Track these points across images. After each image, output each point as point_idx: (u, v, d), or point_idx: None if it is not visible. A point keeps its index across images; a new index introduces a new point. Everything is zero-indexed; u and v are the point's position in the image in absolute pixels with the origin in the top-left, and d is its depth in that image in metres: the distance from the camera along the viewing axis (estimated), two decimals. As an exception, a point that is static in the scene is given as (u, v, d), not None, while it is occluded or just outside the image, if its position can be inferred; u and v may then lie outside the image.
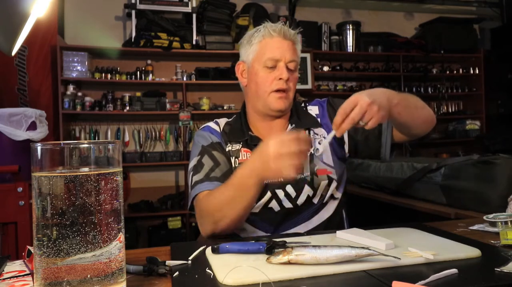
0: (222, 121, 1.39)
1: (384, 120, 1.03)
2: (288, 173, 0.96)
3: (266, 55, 1.26)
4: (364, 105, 0.96)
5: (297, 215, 1.26)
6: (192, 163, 1.29)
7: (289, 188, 1.25)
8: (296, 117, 1.35)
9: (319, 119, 1.36)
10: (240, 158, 1.29)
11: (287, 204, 1.25)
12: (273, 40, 1.27)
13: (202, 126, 1.39)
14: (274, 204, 1.25)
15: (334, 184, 1.29)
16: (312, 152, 1.29)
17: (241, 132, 1.33)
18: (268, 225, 1.26)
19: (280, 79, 1.25)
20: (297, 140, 0.96)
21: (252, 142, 1.30)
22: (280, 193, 1.26)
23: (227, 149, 1.31)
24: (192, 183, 1.25)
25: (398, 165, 2.34)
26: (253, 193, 1.08)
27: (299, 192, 1.26)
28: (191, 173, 1.27)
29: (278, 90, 1.26)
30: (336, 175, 1.30)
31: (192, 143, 1.38)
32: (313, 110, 1.39)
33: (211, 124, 1.38)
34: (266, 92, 1.27)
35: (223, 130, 1.36)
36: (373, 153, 1.30)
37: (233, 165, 1.29)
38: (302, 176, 1.26)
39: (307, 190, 1.26)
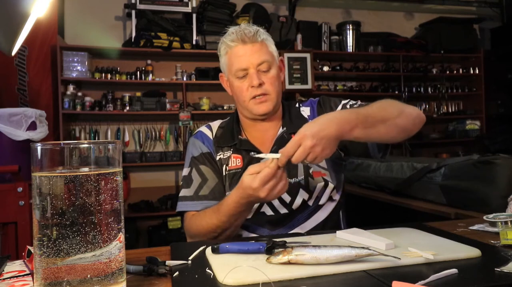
0: (216, 124, 1.39)
1: (329, 156, 1.01)
2: (278, 194, 1.02)
3: (234, 67, 1.25)
4: (307, 147, 0.96)
5: (292, 219, 1.25)
6: (184, 172, 1.33)
7: (284, 194, 1.23)
8: (288, 119, 1.33)
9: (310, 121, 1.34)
10: (230, 165, 1.28)
11: (282, 210, 1.25)
12: (235, 50, 1.24)
13: (196, 131, 1.39)
14: (266, 209, 1.25)
15: (330, 186, 1.28)
16: None
17: (231, 136, 1.32)
18: (262, 229, 1.25)
19: (253, 86, 1.23)
20: (272, 173, 0.99)
21: (241, 147, 1.29)
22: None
23: (218, 158, 1.31)
24: (181, 195, 1.29)
25: (398, 165, 2.34)
26: (245, 215, 1.15)
27: (293, 197, 1.25)
28: (181, 184, 1.32)
29: (255, 96, 1.24)
30: (331, 176, 1.29)
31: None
32: (305, 111, 1.36)
33: (204, 129, 1.38)
34: (245, 101, 1.26)
35: (216, 135, 1.35)
36: (363, 153, 1.28)
37: (224, 173, 1.29)
38: (297, 179, 1.25)
39: (302, 194, 1.25)
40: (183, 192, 1.29)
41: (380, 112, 1.09)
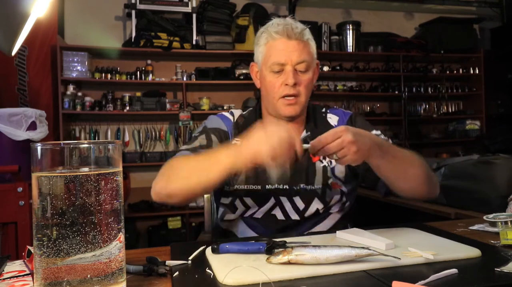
0: (237, 112, 1.35)
1: (356, 163, 0.99)
2: (264, 155, 0.90)
3: (271, 59, 1.18)
4: (345, 140, 0.93)
5: (301, 226, 1.23)
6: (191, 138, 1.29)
7: (298, 200, 1.21)
8: (313, 124, 1.28)
9: None
10: None
11: (294, 216, 1.22)
12: (277, 43, 1.18)
13: (217, 114, 1.35)
14: (277, 212, 1.22)
15: (344, 199, 1.26)
16: (326, 164, 1.24)
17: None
18: (269, 232, 1.22)
19: (287, 84, 1.17)
20: (291, 141, 0.93)
21: None
22: (286, 203, 1.22)
23: (233, 142, 1.25)
24: (178, 151, 1.23)
25: (398, 165, 2.33)
26: (218, 171, 1.00)
27: (308, 204, 1.22)
28: (182, 145, 1.26)
29: (286, 96, 1.19)
30: (348, 190, 1.26)
31: None
32: (333, 119, 1.31)
33: (226, 113, 1.34)
34: (275, 98, 1.20)
35: (237, 121, 1.31)
36: (371, 184, 1.24)
37: None
38: (313, 187, 1.22)
39: (316, 203, 1.22)
40: (182, 147, 1.23)
41: (405, 156, 1.10)
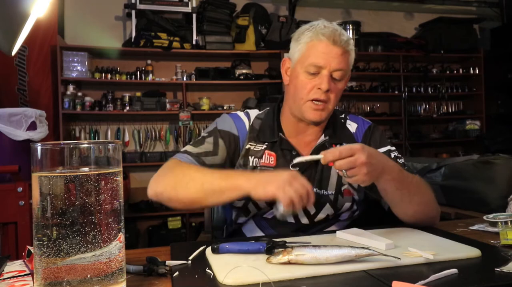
0: (253, 113, 1.31)
1: (364, 184, 1.00)
2: (283, 199, 0.94)
3: (310, 60, 1.15)
4: (358, 160, 0.94)
5: (309, 229, 1.23)
6: (199, 137, 1.28)
7: (310, 206, 1.20)
8: (332, 129, 1.27)
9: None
10: (263, 161, 1.23)
11: (304, 220, 1.22)
12: (321, 44, 1.15)
13: (231, 113, 1.32)
14: None
15: (355, 207, 1.26)
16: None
17: (272, 131, 1.25)
18: (278, 234, 1.22)
19: (319, 89, 1.15)
20: (309, 192, 0.97)
21: (281, 146, 1.23)
22: None
23: (247, 147, 1.24)
24: (183, 149, 1.23)
25: (398, 165, 2.33)
26: (233, 193, 1.03)
27: (319, 210, 1.22)
28: (190, 142, 1.25)
29: (315, 100, 1.16)
30: (360, 198, 1.27)
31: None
32: (352, 126, 1.31)
33: (241, 114, 1.31)
34: (303, 99, 1.17)
35: (252, 124, 1.28)
36: (374, 198, 1.25)
37: (251, 165, 1.23)
38: (326, 193, 1.22)
39: (327, 209, 1.22)
40: (187, 147, 1.22)
41: (414, 184, 1.10)
